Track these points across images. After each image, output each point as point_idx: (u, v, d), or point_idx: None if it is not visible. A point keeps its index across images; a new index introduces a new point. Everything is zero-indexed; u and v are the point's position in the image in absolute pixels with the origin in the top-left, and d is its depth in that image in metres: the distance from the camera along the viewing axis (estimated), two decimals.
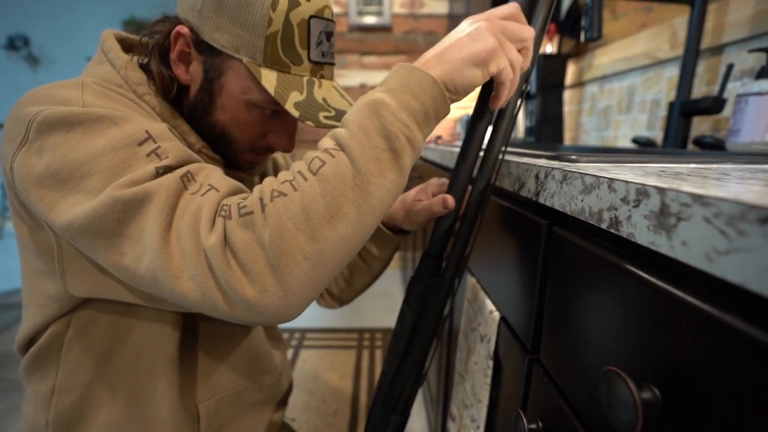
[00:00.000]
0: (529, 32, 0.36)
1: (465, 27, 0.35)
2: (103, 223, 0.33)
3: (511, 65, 0.35)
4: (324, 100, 0.44)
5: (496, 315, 0.48)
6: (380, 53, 2.19)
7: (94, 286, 0.42)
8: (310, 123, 0.41)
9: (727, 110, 0.73)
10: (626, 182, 0.24)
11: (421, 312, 0.45)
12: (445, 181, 0.53)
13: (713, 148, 0.72)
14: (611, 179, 0.26)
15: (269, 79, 0.41)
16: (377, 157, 0.31)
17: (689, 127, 0.77)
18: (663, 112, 0.92)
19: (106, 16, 3.42)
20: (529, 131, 1.28)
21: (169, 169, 0.35)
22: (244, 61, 0.42)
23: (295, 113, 0.40)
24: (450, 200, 0.43)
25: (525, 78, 0.41)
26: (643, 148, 0.82)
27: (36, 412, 0.48)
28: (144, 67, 0.46)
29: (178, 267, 0.32)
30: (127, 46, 0.48)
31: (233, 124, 0.46)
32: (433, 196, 0.52)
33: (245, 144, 0.48)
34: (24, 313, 0.48)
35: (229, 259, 0.31)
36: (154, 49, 0.46)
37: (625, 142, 1.04)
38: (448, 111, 0.36)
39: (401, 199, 0.57)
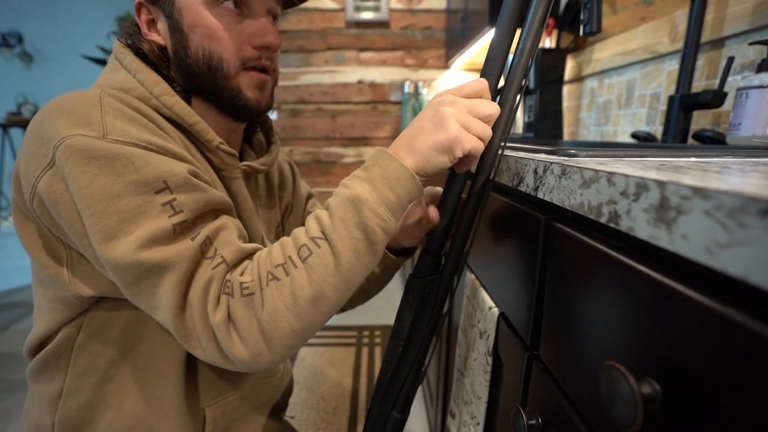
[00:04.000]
0: (494, 109, 0.39)
1: (431, 112, 0.39)
2: (122, 276, 0.37)
3: (479, 138, 0.38)
4: None
5: (495, 311, 0.48)
6: (378, 49, 2.18)
7: (108, 287, 0.43)
8: None
9: (728, 104, 0.72)
10: (625, 176, 0.24)
11: (420, 309, 0.45)
12: (438, 189, 0.53)
13: (713, 142, 0.72)
14: (610, 173, 0.25)
15: None
16: (355, 247, 0.37)
17: (689, 121, 0.76)
18: (662, 107, 0.91)
19: (100, 13, 3.39)
20: (527, 126, 1.27)
21: (185, 227, 0.37)
22: None
23: None
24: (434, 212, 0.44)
25: (523, 74, 0.40)
26: (643, 143, 0.81)
27: (41, 413, 0.48)
28: (157, 71, 0.46)
29: (188, 327, 0.37)
30: (137, 54, 0.48)
31: (209, 39, 0.45)
32: (428, 206, 0.51)
33: (232, 57, 0.47)
34: (35, 317, 0.48)
35: (231, 332, 0.37)
36: (133, 36, 0.47)
37: (625, 137, 1.04)
38: (421, 194, 0.41)
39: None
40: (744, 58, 0.71)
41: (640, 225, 0.22)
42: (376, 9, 2.12)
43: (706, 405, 0.19)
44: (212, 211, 0.41)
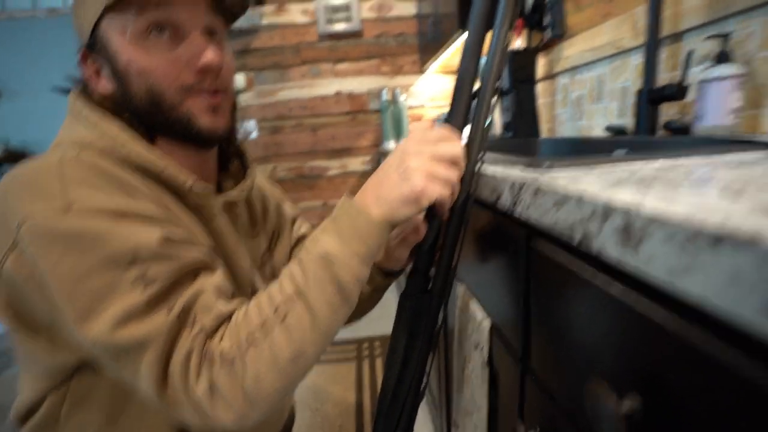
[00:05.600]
0: (458, 150, 0.40)
1: (396, 162, 0.39)
2: (101, 355, 0.37)
3: (446, 183, 0.39)
4: None
5: (487, 323, 0.49)
6: (353, 59, 2.19)
7: (89, 354, 0.42)
8: None
9: (694, 93, 0.75)
10: (593, 200, 0.25)
11: (414, 328, 0.46)
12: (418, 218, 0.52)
13: (681, 132, 0.74)
14: (580, 196, 0.26)
15: None
16: (330, 301, 0.38)
17: (657, 113, 0.79)
18: (632, 100, 0.94)
19: (70, 45, 3.35)
20: (506, 126, 1.29)
21: (160, 298, 0.36)
22: (104, 6, 0.42)
23: None
24: (422, 227, 0.44)
25: (497, 76, 0.42)
26: (615, 138, 0.84)
27: None
28: (120, 117, 0.45)
29: (171, 397, 0.37)
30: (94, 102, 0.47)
31: (146, 74, 0.44)
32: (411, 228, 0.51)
33: (171, 86, 0.45)
34: (20, 383, 0.47)
35: (215, 401, 0.37)
36: (85, 89, 0.47)
37: (600, 131, 1.07)
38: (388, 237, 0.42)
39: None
40: (703, 50, 0.74)
41: (609, 247, 0.24)
42: (348, 19, 2.14)
43: (685, 418, 0.20)
44: (191, 272, 0.40)
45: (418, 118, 2.29)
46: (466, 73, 0.42)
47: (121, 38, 0.43)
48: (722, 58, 0.63)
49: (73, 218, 0.35)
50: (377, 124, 2.27)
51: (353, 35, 2.18)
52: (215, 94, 0.48)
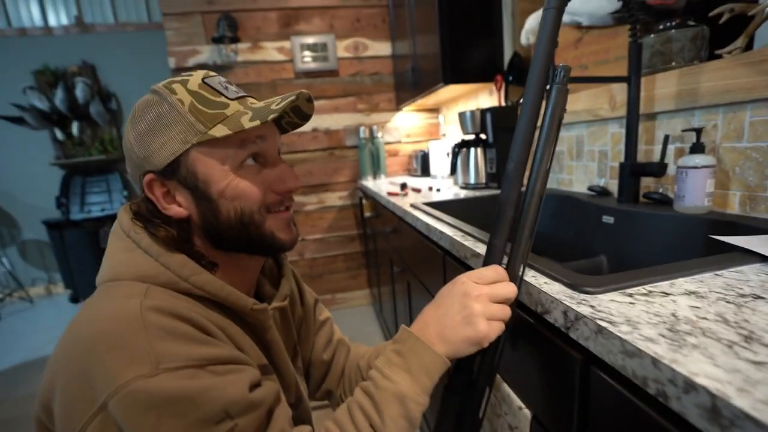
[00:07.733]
0: (512, 292, 0.44)
1: (458, 306, 0.44)
2: None
3: (502, 320, 0.44)
4: (266, 103, 0.48)
5: (527, 413, 0.52)
6: (329, 97, 2.23)
7: None
8: (273, 116, 0.44)
9: (672, 172, 0.85)
10: (671, 367, 0.29)
11: (460, 421, 0.49)
12: None
13: (661, 203, 0.84)
14: (654, 358, 0.30)
15: (219, 130, 0.44)
16: None
17: (638, 183, 0.88)
18: (611, 163, 1.04)
19: (15, 67, 3.13)
20: (490, 177, 1.37)
21: None
22: (195, 141, 0.45)
23: (256, 123, 0.44)
24: None
25: (538, 201, 0.46)
26: (602, 202, 0.92)
27: None
28: (175, 244, 0.46)
29: None
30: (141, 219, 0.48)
31: (239, 199, 0.47)
32: None
33: (258, 206, 0.48)
34: None
35: None
36: (149, 219, 0.47)
37: (580, 186, 1.16)
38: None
39: None
40: (674, 132, 0.84)
41: (691, 415, 0.28)
42: (324, 59, 2.17)
43: None
44: (270, 411, 0.43)
45: (395, 154, 2.35)
46: (507, 199, 0.47)
47: (219, 167, 0.46)
48: (696, 148, 0.73)
49: (164, 380, 0.35)
50: (354, 159, 2.31)
51: (329, 73, 2.21)
52: (288, 209, 0.53)
